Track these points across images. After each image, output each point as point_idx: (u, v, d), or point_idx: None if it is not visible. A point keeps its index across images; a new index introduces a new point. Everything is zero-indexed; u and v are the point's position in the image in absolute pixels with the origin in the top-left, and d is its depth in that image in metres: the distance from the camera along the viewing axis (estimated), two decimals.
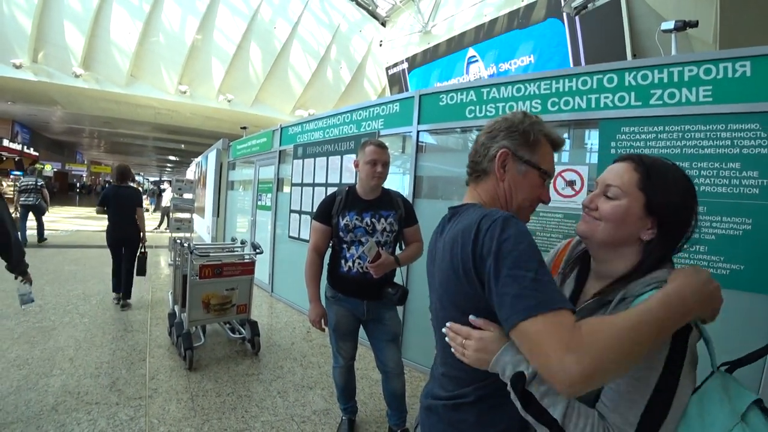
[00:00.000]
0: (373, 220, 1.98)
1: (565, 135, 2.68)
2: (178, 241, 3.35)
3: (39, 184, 7.24)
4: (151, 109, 14.70)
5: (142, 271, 4.35)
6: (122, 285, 4.20)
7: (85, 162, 28.56)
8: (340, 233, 1.98)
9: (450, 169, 3.22)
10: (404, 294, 1.94)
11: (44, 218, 7.49)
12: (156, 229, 10.93)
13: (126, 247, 4.21)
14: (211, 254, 3.12)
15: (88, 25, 11.62)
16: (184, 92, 13.45)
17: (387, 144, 2.02)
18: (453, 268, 0.79)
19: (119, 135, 20.24)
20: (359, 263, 1.96)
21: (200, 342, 3.23)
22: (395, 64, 11.72)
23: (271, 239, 5.14)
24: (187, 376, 2.82)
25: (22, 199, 7.08)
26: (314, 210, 2.11)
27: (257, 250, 3.19)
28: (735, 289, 1.91)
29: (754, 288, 1.87)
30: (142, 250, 4.30)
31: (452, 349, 0.80)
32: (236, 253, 3.34)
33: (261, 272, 5.55)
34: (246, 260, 3.18)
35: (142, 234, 4.25)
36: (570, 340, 0.58)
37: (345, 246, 2.00)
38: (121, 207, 4.12)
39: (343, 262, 2.01)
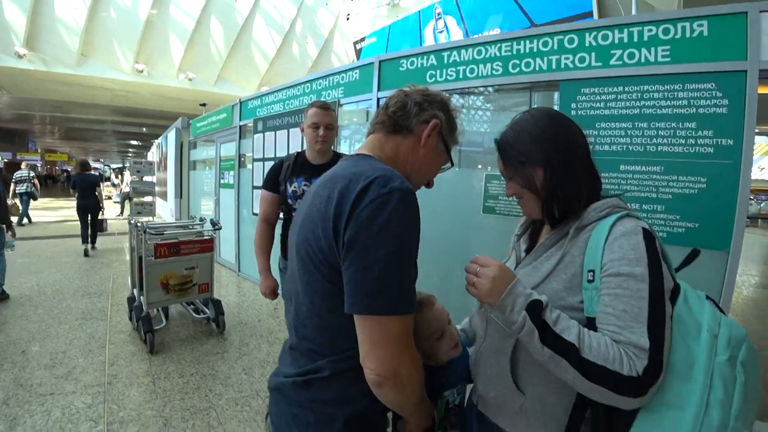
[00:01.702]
0: None
1: (527, 98, 2.64)
2: (132, 221, 3.19)
3: (31, 175, 9.01)
4: (107, 91, 13.75)
5: (102, 229, 6.49)
6: (90, 237, 6.12)
7: (38, 150, 26.76)
8: (289, 200, 1.90)
9: None
10: None
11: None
12: (119, 215, 10.50)
13: (90, 214, 6.10)
14: (166, 233, 2.97)
15: (29, 1, 10.59)
16: (141, 71, 12.62)
17: (333, 106, 1.93)
18: (322, 220, 0.68)
19: (74, 120, 18.93)
20: None
21: (162, 324, 3.12)
22: (363, 39, 11.36)
23: (235, 218, 5.00)
24: (148, 360, 2.72)
25: (18, 188, 8.59)
26: None
27: (216, 227, 3.07)
28: (690, 246, 1.96)
29: (707, 244, 1.93)
30: (102, 215, 6.30)
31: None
32: (193, 230, 3.20)
33: (227, 252, 5.44)
34: (205, 237, 3.06)
35: (101, 204, 6.19)
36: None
37: (294, 214, 1.91)
38: (85, 187, 6.02)
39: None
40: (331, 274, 0.68)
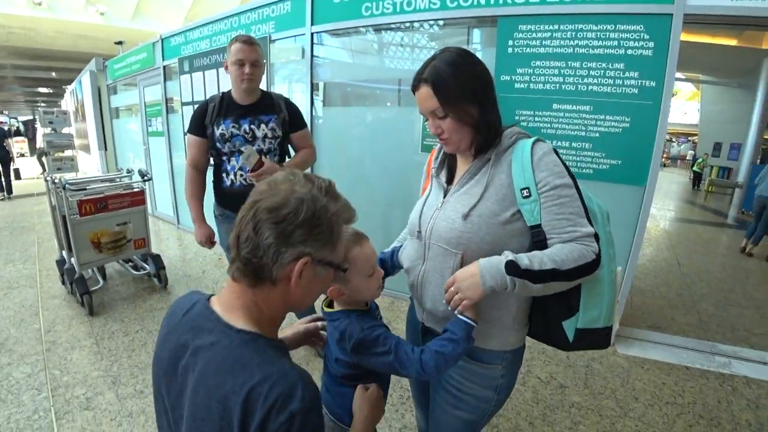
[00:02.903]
0: (252, 126, 1.78)
1: (464, 35, 2.57)
2: (49, 178, 2.86)
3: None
4: None
5: (17, 177, 7.89)
6: (7, 187, 6.83)
7: None
8: (217, 144, 1.79)
9: (353, 75, 3.02)
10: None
11: None
12: (43, 174, 9.41)
13: (3, 165, 6.78)
14: (88, 188, 2.70)
15: None
16: (40, 4, 10.56)
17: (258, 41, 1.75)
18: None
19: None
20: (241, 175, 1.81)
21: (99, 285, 2.96)
22: None
23: (169, 168, 4.67)
24: (89, 322, 2.61)
25: None
26: None
27: (145, 178, 2.84)
28: (612, 182, 2.13)
29: (627, 180, 2.11)
30: (13, 165, 7.51)
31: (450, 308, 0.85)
32: (120, 183, 2.95)
33: (164, 205, 5.17)
34: (135, 190, 2.84)
35: (11, 155, 7.20)
36: None
37: (225, 158, 1.82)
38: None
39: (224, 175, 1.84)
40: None
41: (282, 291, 0.65)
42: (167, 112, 4.50)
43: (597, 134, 2.11)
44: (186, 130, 1.86)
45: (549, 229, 0.82)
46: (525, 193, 0.83)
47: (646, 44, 1.94)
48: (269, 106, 1.81)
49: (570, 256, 0.78)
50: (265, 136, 1.80)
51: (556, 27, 2.07)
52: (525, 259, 0.79)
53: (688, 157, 18.45)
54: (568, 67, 2.07)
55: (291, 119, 1.87)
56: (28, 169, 10.71)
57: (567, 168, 0.84)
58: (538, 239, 0.83)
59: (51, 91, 22.16)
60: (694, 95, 15.48)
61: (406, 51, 2.79)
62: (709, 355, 2.30)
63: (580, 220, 0.81)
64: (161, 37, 4.30)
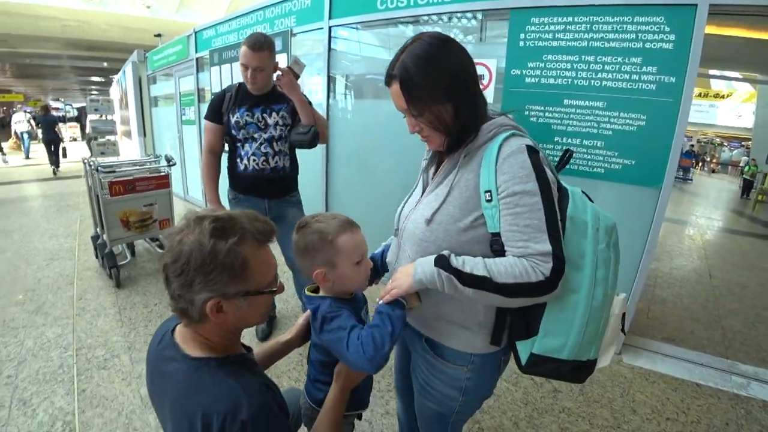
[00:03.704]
0: (264, 115, 1.88)
1: (474, 24, 2.51)
2: (86, 161, 3.10)
3: (28, 117, 11.10)
4: (55, 21, 12.31)
5: (64, 155, 9.47)
6: (55, 162, 8.23)
7: None
8: (232, 131, 1.89)
9: (368, 68, 3.05)
10: (315, 135, 1.87)
11: None
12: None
13: (53, 145, 8.29)
14: (118, 170, 2.92)
15: None
16: None
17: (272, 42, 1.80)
18: None
19: (24, 55, 17.13)
20: (254, 160, 1.91)
21: (126, 260, 3.19)
22: None
23: (200, 155, 4.86)
24: (115, 293, 2.83)
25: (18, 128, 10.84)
26: None
27: (170, 163, 3.03)
28: (624, 183, 2.03)
29: (641, 181, 2.00)
30: (63, 145, 9.06)
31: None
32: (145, 167, 3.15)
33: (195, 190, 5.41)
34: (160, 174, 3.03)
35: (60, 137, 8.61)
36: None
37: (239, 144, 1.92)
38: (47, 125, 8.36)
39: (239, 161, 1.94)
40: None
41: (214, 324, 0.70)
42: (199, 102, 4.71)
43: (610, 132, 2.02)
44: (204, 116, 1.97)
45: (505, 240, 0.74)
46: (488, 196, 0.75)
47: (666, 37, 1.83)
48: (280, 95, 1.89)
49: (510, 270, 0.71)
50: (276, 123, 1.89)
51: (570, 19, 2.00)
52: (460, 260, 0.75)
53: (741, 164, 17.13)
54: (581, 61, 2.00)
55: None
56: (78, 153, 11.54)
57: (539, 171, 0.73)
58: (497, 248, 0.76)
59: (102, 80, 23.60)
60: (751, 96, 14.27)
61: None
62: (726, 374, 2.14)
63: (535, 234, 0.71)
64: (195, 30, 4.51)
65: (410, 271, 0.80)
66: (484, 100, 0.84)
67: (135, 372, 2.00)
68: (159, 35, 6.15)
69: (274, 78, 1.79)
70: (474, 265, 0.74)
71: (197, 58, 4.54)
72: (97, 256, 3.29)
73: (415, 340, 0.98)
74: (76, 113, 18.93)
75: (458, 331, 0.86)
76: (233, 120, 1.87)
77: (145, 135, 7.02)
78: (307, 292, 0.93)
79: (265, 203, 1.99)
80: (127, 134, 8.32)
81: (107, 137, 5.24)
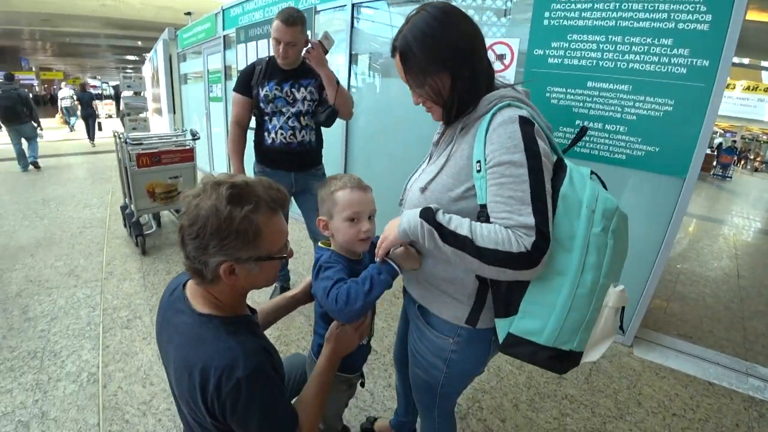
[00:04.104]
0: (293, 89, 1.90)
1: (500, 4, 2.43)
2: (115, 133, 3.24)
3: (71, 94, 11.91)
4: (94, 1, 12.76)
5: (100, 129, 10.23)
6: (91, 136, 9.18)
7: (33, 69, 25.68)
8: (261, 104, 1.93)
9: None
10: (330, 115, 1.90)
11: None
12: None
13: (90, 119, 9.21)
14: (145, 143, 3.04)
15: None
16: None
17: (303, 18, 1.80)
18: (194, 403, 0.71)
19: (64, 34, 17.81)
20: (282, 134, 1.94)
21: (152, 230, 3.35)
22: None
23: (225, 132, 4.99)
24: (140, 260, 2.98)
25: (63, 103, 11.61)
26: None
27: (195, 137, 3.13)
28: (647, 171, 1.94)
29: (665, 170, 1.91)
30: (99, 120, 10.08)
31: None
32: (171, 140, 3.27)
33: (221, 165, 5.56)
34: (186, 147, 3.13)
35: (97, 112, 9.70)
36: None
37: (267, 118, 1.95)
38: (84, 101, 9.28)
39: (266, 134, 1.98)
40: (215, 422, 0.73)
41: (225, 285, 0.74)
42: (226, 79, 4.79)
43: (634, 117, 1.93)
44: (233, 89, 2.01)
45: (489, 211, 0.73)
46: (478, 166, 0.74)
47: (702, 17, 1.72)
48: (308, 70, 1.91)
49: (492, 236, 0.69)
50: (304, 98, 1.92)
51: None
52: (446, 216, 0.74)
53: None
54: (608, 41, 1.91)
55: None
56: (113, 129, 12.11)
57: (529, 143, 0.71)
58: (483, 220, 0.74)
59: (137, 58, 24.28)
60: None
61: None
62: (743, 376, 2.06)
63: (519, 207, 0.69)
64: (222, 8, 4.57)
65: (397, 222, 0.81)
66: (487, 72, 0.82)
67: (155, 332, 2.12)
68: (189, 13, 6.26)
69: (303, 52, 1.80)
70: (459, 223, 0.72)
71: (224, 36, 4.61)
72: (125, 225, 3.47)
73: (410, 307, 1.01)
74: (112, 91, 19.67)
75: (449, 302, 0.87)
76: (262, 93, 1.90)
77: (174, 112, 7.22)
78: (320, 244, 0.98)
79: (291, 176, 2.03)
80: (158, 112, 8.59)
81: (139, 114, 5.44)
